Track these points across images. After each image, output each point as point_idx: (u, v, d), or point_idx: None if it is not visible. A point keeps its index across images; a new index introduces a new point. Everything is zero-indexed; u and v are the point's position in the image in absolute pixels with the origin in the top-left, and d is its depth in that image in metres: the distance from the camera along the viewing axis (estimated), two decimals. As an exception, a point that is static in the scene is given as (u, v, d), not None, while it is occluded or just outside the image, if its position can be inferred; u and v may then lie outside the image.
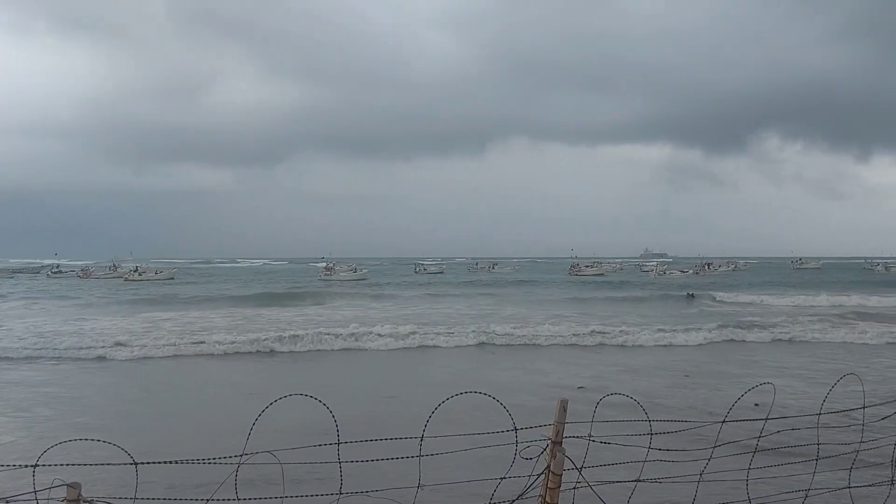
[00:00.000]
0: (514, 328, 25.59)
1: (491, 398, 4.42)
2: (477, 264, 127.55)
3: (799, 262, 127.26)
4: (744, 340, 24.44)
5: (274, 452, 4.11)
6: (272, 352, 21.91)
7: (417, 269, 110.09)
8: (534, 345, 23.27)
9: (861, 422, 5.63)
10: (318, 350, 22.33)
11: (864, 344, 23.50)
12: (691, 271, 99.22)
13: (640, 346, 23.12)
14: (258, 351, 21.95)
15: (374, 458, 4.55)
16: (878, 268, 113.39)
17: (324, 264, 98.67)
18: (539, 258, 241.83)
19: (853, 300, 40.93)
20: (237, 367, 19.56)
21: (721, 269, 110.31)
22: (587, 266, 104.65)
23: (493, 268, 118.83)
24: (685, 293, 48.71)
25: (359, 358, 21.26)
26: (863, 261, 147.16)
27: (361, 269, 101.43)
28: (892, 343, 23.45)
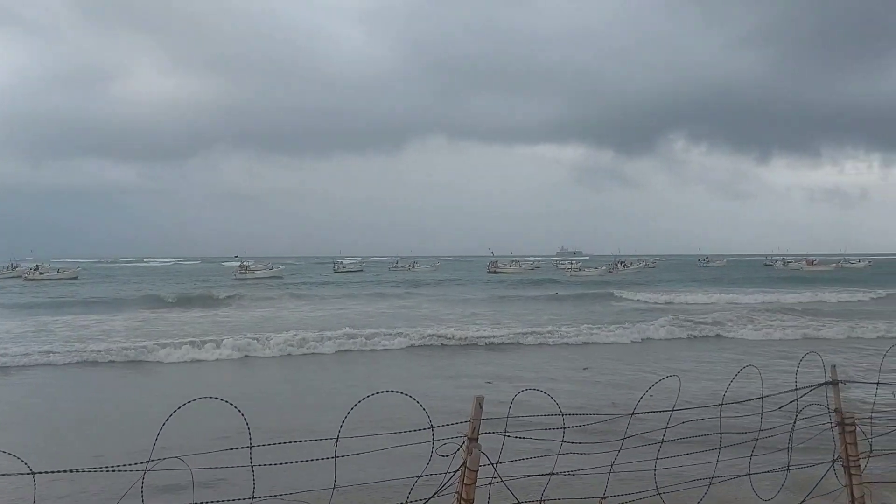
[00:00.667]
0: (433, 328, 25.57)
1: (408, 397, 4.43)
2: (397, 263, 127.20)
3: (706, 260, 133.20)
4: (650, 339, 25.10)
5: (183, 458, 3.98)
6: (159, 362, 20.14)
7: (336, 268, 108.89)
8: (448, 346, 23.21)
9: (759, 411, 5.95)
10: (217, 360, 20.52)
11: (767, 340, 24.81)
12: (605, 269, 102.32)
13: (559, 343, 23.51)
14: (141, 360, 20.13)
15: (288, 461, 4.48)
16: (778, 264, 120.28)
17: (238, 263, 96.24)
18: (459, 257, 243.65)
19: (756, 297, 43.10)
20: (131, 374, 18.78)
21: (633, 266, 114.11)
22: (505, 264, 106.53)
23: (414, 266, 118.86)
24: (604, 291, 50.03)
25: (267, 364, 20.37)
26: (763, 258, 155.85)
27: (278, 267, 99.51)
28: (790, 339, 24.81)
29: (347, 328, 24.88)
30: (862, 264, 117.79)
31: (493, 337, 23.99)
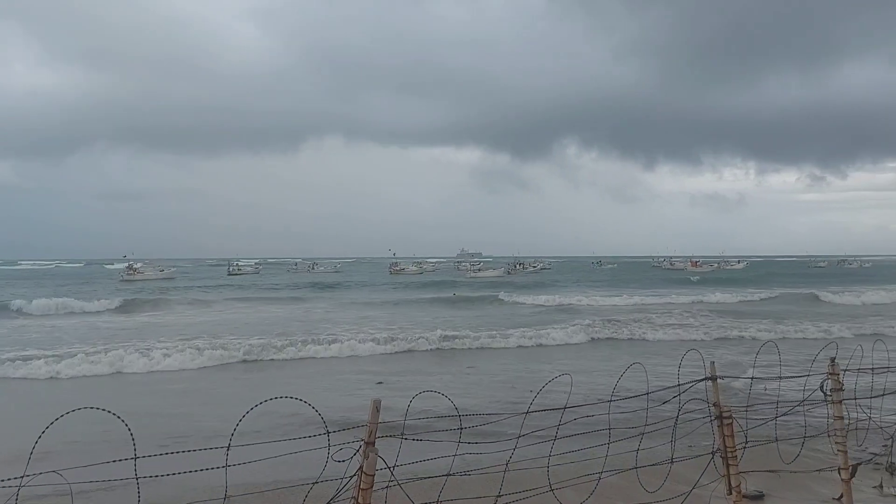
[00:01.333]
0: (327, 334, 25.06)
1: (304, 403, 4.36)
2: (297, 265, 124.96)
3: (599, 262, 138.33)
4: (541, 344, 24.59)
5: (62, 472, 3.76)
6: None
7: (231, 270, 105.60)
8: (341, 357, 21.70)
9: (646, 406, 6.24)
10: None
11: (657, 340, 26.01)
12: (504, 270, 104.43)
13: (459, 348, 23.16)
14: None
15: (177, 472, 4.31)
16: (665, 265, 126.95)
17: (126, 265, 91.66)
18: (361, 258, 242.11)
19: (648, 298, 44.87)
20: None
21: (531, 268, 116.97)
22: (407, 266, 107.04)
23: (314, 268, 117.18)
24: (497, 294, 50.66)
25: (148, 377, 18.25)
26: (651, 259, 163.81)
27: (170, 269, 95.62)
28: (671, 340, 26.09)
29: (229, 337, 24.06)
30: (740, 266, 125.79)
31: (393, 341, 23.47)
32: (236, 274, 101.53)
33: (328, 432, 4.18)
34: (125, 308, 40.70)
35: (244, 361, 20.32)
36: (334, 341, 22.85)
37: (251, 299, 48.34)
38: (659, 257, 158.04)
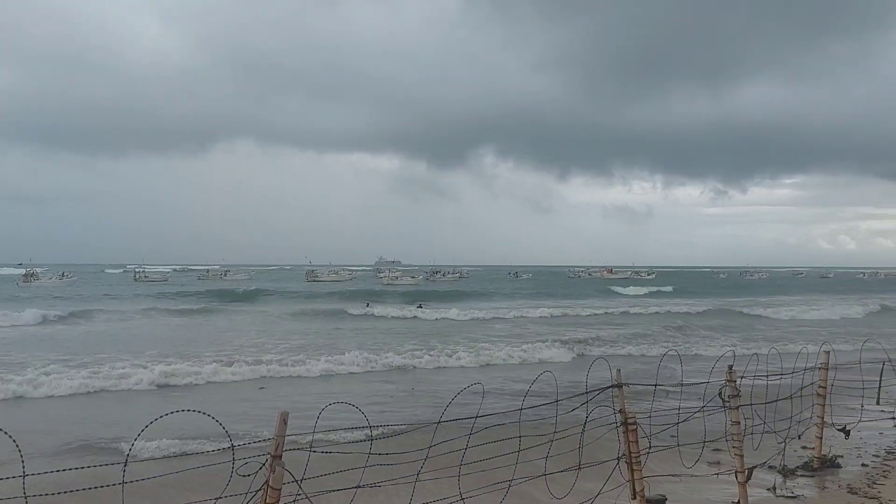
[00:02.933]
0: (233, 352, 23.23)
1: (206, 416, 4.25)
2: (208, 272, 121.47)
3: (515, 274, 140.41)
4: (448, 363, 21.95)
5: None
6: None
7: (137, 277, 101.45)
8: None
9: (555, 414, 6.39)
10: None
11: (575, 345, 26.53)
12: (422, 278, 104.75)
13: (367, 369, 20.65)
14: None
15: (70, 490, 4.12)
16: (583, 275, 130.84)
17: (24, 271, 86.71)
18: (276, 265, 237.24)
19: (562, 309, 45.23)
20: None
21: (449, 276, 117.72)
22: (324, 273, 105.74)
23: (226, 275, 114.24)
24: (415, 304, 50.33)
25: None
26: (567, 269, 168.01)
27: (70, 276, 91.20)
28: (579, 356, 26.51)
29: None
30: (649, 277, 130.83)
31: (305, 361, 21.33)
32: (143, 281, 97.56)
33: (233, 446, 4.09)
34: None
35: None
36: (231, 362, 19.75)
37: (156, 310, 43.16)
38: (575, 268, 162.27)
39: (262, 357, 20.75)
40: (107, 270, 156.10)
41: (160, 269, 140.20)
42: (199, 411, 4.28)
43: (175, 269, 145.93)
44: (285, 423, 4.19)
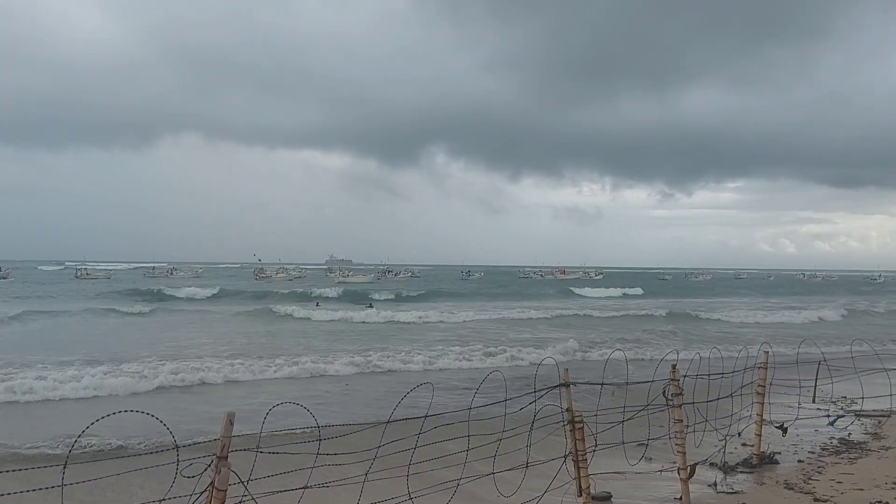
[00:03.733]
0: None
1: (150, 416, 4.17)
2: (154, 269, 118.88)
3: (468, 273, 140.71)
4: (395, 366, 21.27)
5: None
6: None
7: (79, 274, 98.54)
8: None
9: (504, 413, 6.46)
10: None
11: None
12: (374, 276, 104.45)
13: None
14: None
15: (8, 493, 3.99)
16: (536, 275, 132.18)
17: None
18: (225, 264, 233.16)
19: (514, 312, 45.21)
20: None
21: (401, 276, 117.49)
22: (273, 272, 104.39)
23: (172, 273, 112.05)
24: (366, 304, 50.31)
25: None
26: (518, 269, 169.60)
27: (6, 271, 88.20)
28: (511, 365, 27.06)
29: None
30: (599, 277, 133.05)
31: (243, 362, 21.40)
32: (84, 278, 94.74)
33: (177, 447, 4.02)
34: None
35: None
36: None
37: (95, 311, 40.38)
38: (526, 268, 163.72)
39: (203, 360, 20.16)
40: (41, 268, 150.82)
41: (105, 266, 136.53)
42: (143, 412, 4.19)
43: (117, 269, 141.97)
44: (231, 424, 4.14)
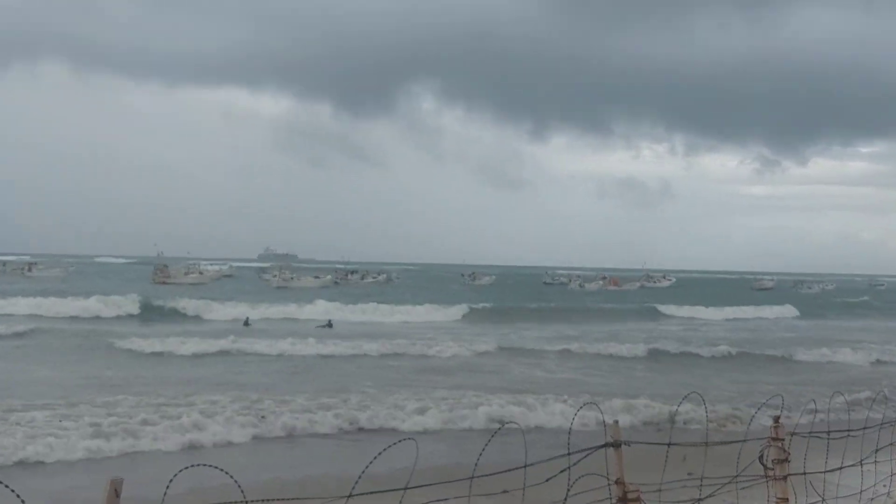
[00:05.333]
0: None
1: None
2: (5, 265, 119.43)
3: (471, 276, 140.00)
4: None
5: None
6: None
7: None
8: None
9: (522, 486, 6.45)
10: None
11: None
12: (330, 278, 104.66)
13: None
14: None
15: None
16: (573, 285, 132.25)
17: None
18: (107, 256, 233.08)
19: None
20: None
21: (369, 280, 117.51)
22: (179, 271, 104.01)
23: (31, 270, 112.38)
24: (323, 322, 50.46)
25: None
26: (544, 271, 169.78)
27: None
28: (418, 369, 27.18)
29: None
30: (666, 283, 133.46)
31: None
32: None
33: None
34: None
35: None
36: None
37: None
38: (557, 270, 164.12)
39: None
40: None
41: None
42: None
43: None
44: (117, 496, 4.13)
